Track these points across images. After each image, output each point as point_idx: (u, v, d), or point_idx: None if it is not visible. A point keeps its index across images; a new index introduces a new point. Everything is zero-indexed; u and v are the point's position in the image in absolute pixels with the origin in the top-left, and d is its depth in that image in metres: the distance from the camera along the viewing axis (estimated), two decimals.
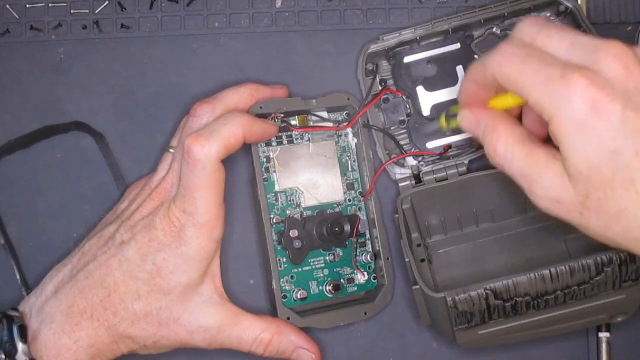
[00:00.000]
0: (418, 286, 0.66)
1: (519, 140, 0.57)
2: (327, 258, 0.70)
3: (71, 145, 0.71)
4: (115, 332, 0.62)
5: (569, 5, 0.70)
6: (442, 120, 0.67)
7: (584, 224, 0.55)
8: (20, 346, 0.61)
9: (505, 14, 0.71)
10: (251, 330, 0.65)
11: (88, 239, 0.66)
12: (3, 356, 0.61)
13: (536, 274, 0.62)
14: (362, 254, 0.71)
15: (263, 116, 0.69)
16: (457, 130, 0.68)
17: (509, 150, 0.57)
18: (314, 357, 0.66)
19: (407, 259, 0.67)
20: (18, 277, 0.69)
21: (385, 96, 0.72)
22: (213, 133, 0.62)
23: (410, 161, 0.72)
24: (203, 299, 0.64)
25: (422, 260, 0.70)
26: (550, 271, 0.62)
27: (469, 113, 0.61)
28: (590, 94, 0.51)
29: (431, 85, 0.72)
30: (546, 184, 0.55)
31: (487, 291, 0.62)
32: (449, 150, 0.71)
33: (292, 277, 0.69)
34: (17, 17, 0.71)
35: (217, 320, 0.64)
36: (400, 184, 0.71)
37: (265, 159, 0.69)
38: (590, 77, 0.52)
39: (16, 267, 0.69)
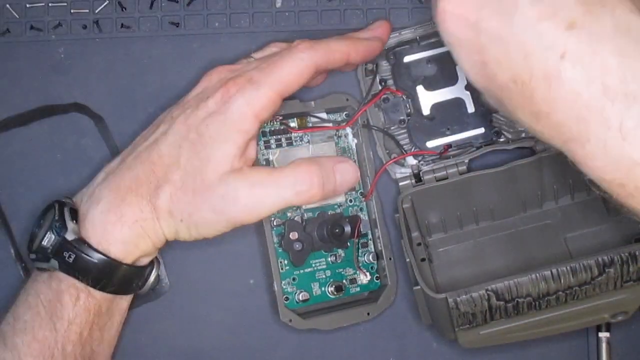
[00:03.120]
0: (419, 287, 0.66)
1: None
2: (329, 259, 0.70)
3: (70, 127, 0.71)
4: (156, 205, 0.62)
5: None
6: None
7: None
8: (70, 225, 0.62)
9: None
10: (288, 178, 0.63)
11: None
12: (53, 236, 0.61)
13: (537, 274, 0.62)
14: (364, 255, 0.71)
15: None
16: None
17: None
18: (355, 168, 0.66)
19: (407, 260, 0.68)
20: (12, 252, 0.70)
21: (385, 96, 0.71)
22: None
23: (411, 160, 0.72)
24: (237, 173, 0.62)
25: (423, 260, 0.70)
26: (551, 272, 0.62)
27: None
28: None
29: (431, 85, 0.72)
30: None
31: (488, 292, 0.63)
32: (449, 149, 0.71)
33: (293, 279, 0.69)
34: (17, 17, 0.70)
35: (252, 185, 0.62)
36: (400, 184, 0.72)
37: (264, 162, 0.69)
38: None
39: (14, 250, 0.70)
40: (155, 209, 0.62)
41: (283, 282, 0.68)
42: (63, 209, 0.63)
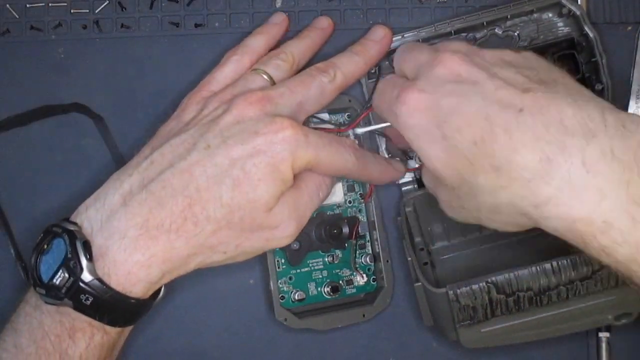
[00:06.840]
0: (420, 283, 0.65)
1: None
2: (327, 260, 0.70)
3: (70, 127, 0.70)
4: (196, 242, 0.58)
5: (573, 8, 0.69)
6: None
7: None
8: (85, 264, 0.55)
9: (508, 17, 0.70)
10: (312, 186, 0.64)
11: (154, 149, 0.60)
12: (67, 275, 0.55)
13: (537, 267, 0.63)
14: (361, 256, 0.71)
15: None
16: None
17: None
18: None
19: (409, 258, 0.67)
20: (12, 252, 0.69)
21: None
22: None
23: (413, 164, 0.71)
24: (281, 202, 0.60)
25: (425, 264, 0.69)
26: (552, 264, 0.62)
27: None
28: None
29: None
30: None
31: (489, 284, 0.62)
32: None
33: (290, 278, 0.68)
34: (17, 17, 0.70)
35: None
36: (403, 188, 0.71)
37: None
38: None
39: (14, 250, 0.69)
40: (194, 245, 0.58)
41: (279, 281, 0.68)
42: (75, 243, 0.56)
